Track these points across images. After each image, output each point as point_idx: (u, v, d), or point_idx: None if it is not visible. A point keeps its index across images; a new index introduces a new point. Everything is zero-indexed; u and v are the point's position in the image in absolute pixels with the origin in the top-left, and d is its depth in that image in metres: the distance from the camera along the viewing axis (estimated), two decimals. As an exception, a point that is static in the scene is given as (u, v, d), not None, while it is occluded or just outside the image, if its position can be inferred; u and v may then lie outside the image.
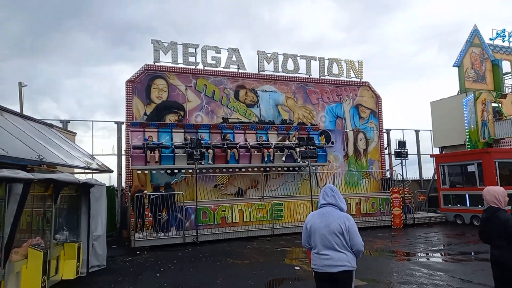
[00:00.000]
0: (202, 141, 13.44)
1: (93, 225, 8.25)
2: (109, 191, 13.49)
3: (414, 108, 47.32)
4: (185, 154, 12.77)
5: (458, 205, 15.47)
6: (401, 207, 14.62)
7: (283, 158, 15.00)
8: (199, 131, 14.98)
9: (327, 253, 3.52)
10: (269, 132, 16.14)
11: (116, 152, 16.02)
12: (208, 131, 15.20)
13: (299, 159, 14.47)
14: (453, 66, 18.54)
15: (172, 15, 56.98)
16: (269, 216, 13.30)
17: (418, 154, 21.46)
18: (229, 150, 14.30)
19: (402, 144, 15.37)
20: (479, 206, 14.01)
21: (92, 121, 16.19)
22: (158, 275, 7.93)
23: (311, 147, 13.61)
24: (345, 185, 16.92)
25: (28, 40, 46.05)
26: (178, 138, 14.59)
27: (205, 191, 14.56)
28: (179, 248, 11.04)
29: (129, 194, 12.91)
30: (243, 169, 14.88)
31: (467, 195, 15.09)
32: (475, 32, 18.80)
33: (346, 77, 18.34)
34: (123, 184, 15.04)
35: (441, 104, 19.46)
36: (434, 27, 54.78)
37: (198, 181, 13.01)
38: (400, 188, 15.08)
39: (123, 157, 15.23)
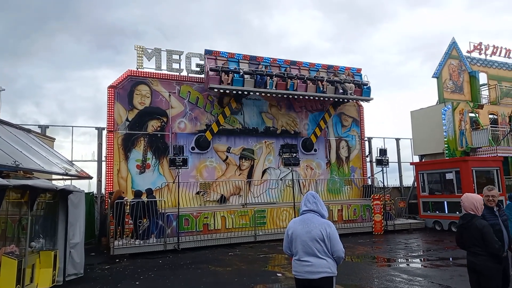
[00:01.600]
0: (266, 70, 15.82)
1: (70, 232, 8.05)
2: (89, 198, 13.24)
3: (396, 117, 48.31)
4: (253, 80, 15.15)
5: (437, 212, 15.79)
6: (382, 213, 14.82)
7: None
8: (261, 63, 16.41)
9: (308, 259, 3.53)
10: (320, 69, 17.67)
11: (96, 158, 15.74)
12: (268, 63, 16.67)
13: (349, 92, 16.64)
14: (432, 77, 19.04)
15: (160, 19, 56.67)
16: (252, 223, 13.26)
17: (399, 162, 21.84)
18: (289, 80, 15.90)
19: (383, 152, 15.63)
20: (457, 212, 14.33)
21: (72, 126, 15.89)
22: (137, 283, 7.77)
23: (294, 155, 13.71)
24: (328, 192, 17.05)
25: (9, 41, 44.95)
26: (244, 68, 15.81)
27: (187, 198, 14.43)
28: (160, 255, 10.88)
29: (109, 200, 12.67)
30: (301, 97, 16.67)
31: (445, 202, 15.42)
32: (453, 45, 19.38)
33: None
34: (103, 191, 14.76)
35: (421, 114, 19.93)
36: (418, 38, 56.25)
37: (180, 188, 12.89)
38: (381, 195, 15.30)
39: (103, 163, 14.96)
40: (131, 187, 14.11)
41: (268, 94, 15.84)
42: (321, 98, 16.91)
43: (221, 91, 15.09)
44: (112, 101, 14.53)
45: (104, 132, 15.02)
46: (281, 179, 16.54)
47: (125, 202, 11.56)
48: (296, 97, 16.66)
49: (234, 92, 15.23)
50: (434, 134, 18.57)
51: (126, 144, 14.48)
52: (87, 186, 15.25)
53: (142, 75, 15.18)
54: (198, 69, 15.96)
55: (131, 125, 14.69)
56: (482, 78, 20.55)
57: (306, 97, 16.74)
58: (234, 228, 13.10)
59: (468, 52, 20.09)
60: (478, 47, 20.37)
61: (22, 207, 6.87)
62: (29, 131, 11.30)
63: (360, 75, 18.23)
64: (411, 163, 19.04)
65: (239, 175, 16.07)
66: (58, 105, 44.38)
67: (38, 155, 9.01)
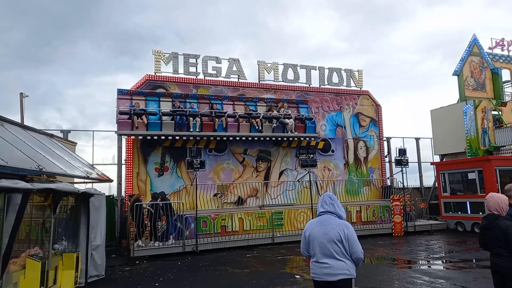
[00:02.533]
0: (190, 110, 13.93)
1: (92, 234, 8.22)
2: (109, 201, 13.47)
3: (416, 117, 47.42)
4: (173, 121, 13.38)
5: (459, 213, 15.40)
6: (402, 214, 14.55)
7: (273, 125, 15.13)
8: (187, 100, 14.89)
9: (326, 261, 3.50)
10: (258, 104, 16.00)
11: (116, 162, 16.03)
12: (196, 100, 15.06)
13: (291, 131, 14.91)
14: (453, 75, 18.62)
15: (177, 24, 57.43)
16: (269, 225, 13.24)
17: (419, 162, 21.42)
18: (217, 119, 14.31)
19: (402, 152, 15.36)
20: (480, 213, 13.95)
21: (93, 131, 16.27)
22: (157, 284, 7.87)
23: (311, 156, 13.62)
24: (346, 193, 16.87)
25: (31, 49, 46.40)
26: (166, 106, 14.42)
27: (205, 200, 14.54)
28: (178, 257, 10.99)
29: (129, 203, 12.88)
30: (230, 138, 14.93)
31: (468, 203, 15.02)
32: (474, 41, 18.91)
33: (346, 86, 18.41)
34: (123, 194, 15.02)
35: (441, 113, 19.50)
36: (438, 36, 55.04)
37: (198, 190, 12.99)
38: (400, 196, 15.03)
39: (123, 167, 15.23)
40: (150, 189, 14.32)
41: (191, 138, 14.27)
42: (255, 139, 15.30)
43: (132, 137, 13.92)
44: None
45: (124, 136, 15.28)
46: (298, 181, 16.46)
47: (144, 206, 11.72)
48: (225, 138, 14.86)
49: (148, 137, 13.80)
50: (455, 133, 18.14)
51: (144, 147, 14.69)
52: (108, 189, 15.58)
53: (160, 79, 15.40)
54: (214, 72, 16.07)
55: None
56: (505, 74, 19.96)
57: (238, 138, 15.06)
58: (252, 230, 13.11)
59: (489, 48, 19.55)
60: (500, 43, 19.80)
61: (45, 210, 7.06)
62: (51, 136, 11.61)
63: (307, 107, 16.73)
64: (432, 163, 18.63)
65: (256, 177, 16.09)
66: (79, 110, 45.48)
67: (61, 159, 9.25)
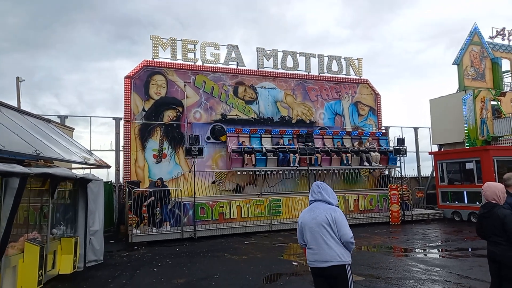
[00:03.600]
0: (289, 146, 15.36)
1: (90, 220, 8.24)
2: (107, 187, 13.48)
3: (415, 106, 47.30)
4: (276, 157, 14.93)
5: (456, 202, 15.48)
6: (399, 204, 14.63)
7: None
8: (283, 136, 15.98)
9: (316, 247, 3.54)
10: (343, 137, 17.14)
11: (114, 148, 16.00)
12: (291, 136, 16.12)
13: (375, 162, 16.26)
14: (453, 64, 18.50)
15: (176, 8, 56.56)
16: (267, 212, 13.30)
17: (417, 151, 21.48)
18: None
19: (400, 141, 15.37)
20: (477, 203, 14.02)
21: (90, 116, 16.16)
22: (155, 270, 7.92)
23: (310, 144, 13.62)
24: (343, 182, 16.92)
25: (28, 33, 45.77)
26: (266, 142, 15.75)
27: (203, 187, 14.57)
28: (177, 243, 11.04)
29: (127, 190, 12.89)
30: (325, 171, 16.24)
31: (465, 192, 15.10)
32: (475, 31, 18.74)
33: (346, 74, 18.31)
34: (121, 180, 15.02)
35: (440, 102, 19.44)
36: (440, 25, 54.35)
37: (196, 177, 13.00)
38: (398, 185, 15.09)
39: (121, 153, 15.18)
40: (148, 176, 14.32)
41: (292, 171, 15.52)
42: (346, 171, 16.47)
43: (244, 173, 14.89)
44: (129, 91, 14.68)
45: (122, 122, 15.21)
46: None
47: (135, 192, 11.72)
48: (320, 171, 16.07)
49: (257, 172, 15.02)
50: (454, 123, 18.11)
51: (142, 134, 14.66)
52: (106, 175, 15.59)
53: (158, 65, 15.26)
54: (213, 58, 15.93)
55: (147, 115, 14.84)
56: (505, 64, 19.87)
57: (331, 171, 16.21)
58: (250, 217, 13.16)
59: (490, 37, 19.41)
60: (501, 32, 19.65)
61: (43, 195, 7.05)
62: (49, 121, 11.53)
63: (386, 139, 17.72)
64: (430, 153, 18.68)
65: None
66: (77, 96, 45.19)
67: (58, 144, 9.20)
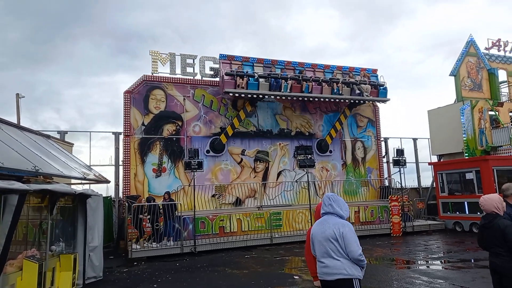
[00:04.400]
0: (281, 74, 15.70)
1: (89, 236, 8.18)
2: (107, 202, 13.42)
3: (414, 117, 47.39)
4: (267, 83, 15.27)
5: (457, 213, 15.43)
6: (400, 215, 14.57)
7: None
8: (275, 66, 16.33)
9: (324, 260, 3.51)
10: (335, 71, 17.51)
11: (113, 163, 15.98)
12: (283, 66, 16.61)
13: (365, 93, 16.56)
14: (450, 75, 18.68)
15: (176, 22, 57.08)
16: (268, 225, 13.22)
17: (416, 162, 21.47)
18: (304, 82, 15.90)
19: (400, 152, 15.40)
20: (478, 213, 13.96)
21: (90, 131, 16.23)
22: (155, 286, 7.84)
23: (309, 156, 13.65)
24: (344, 193, 16.86)
25: (28, 47, 46.07)
26: (258, 71, 15.92)
27: (203, 201, 14.51)
28: (176, 258, 10.95)
29: (126, 204, 12.83)
30: (316, 99, 16.56)
31: (465, 203, 15.05)
32: (471, 42, 18.98)
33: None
34: (121, 195, 14.97)
35: (438, 113, 19.55)
36: (438, 36, 54.65)
37: (196, 191, 12.96)
38: (398, 196, 15.04)
39: (121, 167, 15.16)
40: (147, 190, 14.27)
41: (284, 97, 15.96)
42: (337, 100, 16.86)
43: (236, 94, 15.11)
44: (128, 106, 14.75)
45: (121, 137, 15.24)
46: (296, 181, 16.46)
47: (142, 206, 11.68)
48: (311, 99, 16.53)
49: (249, 95, 15.29)
50: (453, 134, 18.19)
51: (142, 148, 14.67)
52: (105, 190, 15.48)
53: (157, 80, 15.36)
54: (212, 72, 16.04)
55: (147, 129, 14.87)
56: (502, 75, 20.04)
57: (322, 99, 16.59)
58: (250, 230, 13.08)
59: (486, 49, 19.63)
60: (497, 43, 19.88)
61: (42, 212, 7.02)
62: (48, 137, 11.54)
63: (376, 76, 18.04)
64: (429, 163, 18.69)
65: (254, 177, 16.07)
66: (77, 110, 45.27)
67: (57, 160, 9.20)
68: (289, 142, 16.94)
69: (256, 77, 15.24)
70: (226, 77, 14.88)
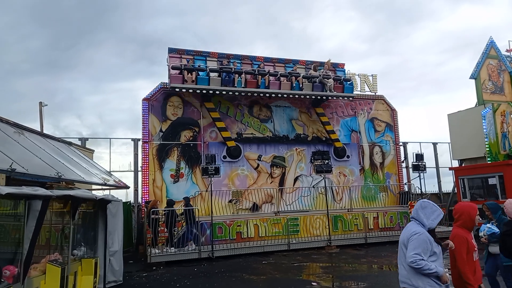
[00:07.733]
0: (235, 68, 14.78)
1: (110, 240, 8.33)
2: (126, 207, 13.64)
3: (435, 121, 46.32)
4: (219, 78, 14.33)
5: (480, 219, 14.98)
6: (420, 221, 14.25)
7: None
8: (231, 60, 15.73)
9: (399, 267, 3.60)
10: (297, 65, 16.77)
11: (133, 169, 16.24)
12: (239, 61, 16.03)
13: (330, 90, 15.59)
14: (470, 78, 18.28)
15: (196, 27, 57.63)
16: (285, 231, 13.15)
17: (437, 167, 21.04)
18: (260, 76, 14.95)
19: (419, 157, 15.11)
20: (502, 220, 13.55)
21: (110, 138, 16.54)
22: (173, 291, 7.89)
23: (326, 161, 13.55)
24: (362, 199, 16.67)
25: (50, 55, 47.42)
26: (212, 65, 15.22)
27: (220, 206, 14.57)
28: (194, 263, 11.01)
29: (145, 209, 13.01)
30: (273, 95, 15.49)
31: (489, 209, 14.62)
32: (491, 44, 18.54)
33: (360, 91, 18.22)
34: (140, 200, 15.19)
35: (459, 117, 19.12)
36: (460, 38, 53.20)
37: (213, 196, 13.04)
38: (418, 202, 14.74)
39: (139, 173, 15.40)
40: (165, 196, 14.43)
41: (236, 93, 15.03)
42: (296, 96, 16.01)
43: (184, 90, 14.49)
44: (147, 113, 15.00)
45: (140, 143, 15.49)
46: (313, 187, 16.34)
47: (158, 212, 11.82)
48: (268, 95, 15.46)
49: (198, 91, 14.64)
50: (474, 138, 17.74)
51: (160, 154, 14.87)
52: (125, 195, 15.75)
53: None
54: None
55: (164, 135, 15.08)
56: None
57: (280, 95, 15.64)
58: (267, 236, 13.04)
59: (507, 51, 19.15)
60: (519, 45, 19.37)
61: (64, 217, 7.19)
62: (70, 143, 11.85)
63: (343, 70, 17.40)
64: (450, 168, 18.26)
65: (270, 183, 16.06)
66: (98, 117, 46.17)
67: (79, 166, 9.43)
68: (305, 147, 16.87)
69: (207, 71, 14.44)
70: (173, 71, 14.16)
